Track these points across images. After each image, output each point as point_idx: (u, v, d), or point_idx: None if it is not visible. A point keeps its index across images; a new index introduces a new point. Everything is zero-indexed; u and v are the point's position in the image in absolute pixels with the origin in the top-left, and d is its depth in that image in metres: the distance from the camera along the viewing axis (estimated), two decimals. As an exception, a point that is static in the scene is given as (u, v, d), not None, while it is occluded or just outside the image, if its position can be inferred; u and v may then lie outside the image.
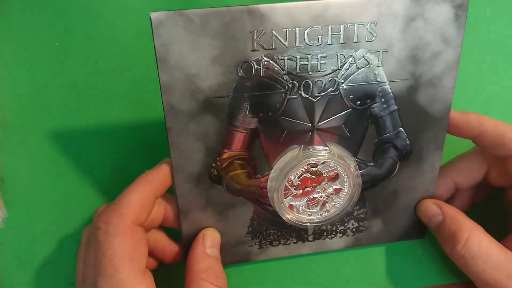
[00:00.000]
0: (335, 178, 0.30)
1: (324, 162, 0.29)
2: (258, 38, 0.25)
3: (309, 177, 0.30)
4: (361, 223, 0.33)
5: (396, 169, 0.31)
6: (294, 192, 0.30)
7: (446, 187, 0.33)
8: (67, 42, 0.33)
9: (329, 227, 0.33)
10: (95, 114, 0.33)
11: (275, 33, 0.25)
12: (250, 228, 0.32)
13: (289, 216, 0.31)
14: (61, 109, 0.33)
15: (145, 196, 0.27)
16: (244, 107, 0.27)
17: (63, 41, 0.33)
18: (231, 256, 0.33)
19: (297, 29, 0.26)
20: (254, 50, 0.26)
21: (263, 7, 0.25)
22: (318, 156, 0.29)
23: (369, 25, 0.26)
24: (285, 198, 0.30)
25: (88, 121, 0.33)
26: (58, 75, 0.33)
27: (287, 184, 0.30)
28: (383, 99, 0.29)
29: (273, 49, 0.26)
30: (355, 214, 0.33)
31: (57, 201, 0.34)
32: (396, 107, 0.29)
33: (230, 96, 0.27)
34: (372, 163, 0.31)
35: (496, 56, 0.37)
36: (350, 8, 0.26)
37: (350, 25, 0.26)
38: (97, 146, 0.34)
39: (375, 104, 0.29)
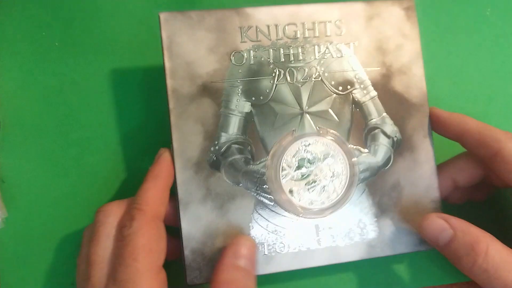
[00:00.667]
0: (330, 157, 0.31)
1: (318, 141, 0.31)
2: (245, 33, 0.31)
3: (305, 157, 0.31)
4: (369, 224, 0.31)
5: (392, 159, 0.32)
6: (292, 173, 0.30)
7: (445, 184, 0.33)
8: (67, 42, 0.34)
9: (336, 226, 0.31)
10: (95, 114, 0.34)
11: (259, 28, 0.31)
12: (252, 227, 0.30)
13: (289, 202, 0.30)
14: (61, 109, 0.34)
15: (159, 190, 0.29)
16: (237, 91, 0.31)
17: (63, 41, 0.34)
18: None
19: (277, 25, 0.31)
20: (243, 42, 0.31)
21: (248, 8, 0.31)
22: (311, 136, 0.31)
23: (336, 22, 0.32)
24: (283, 179, 0.30)
25: (88, 121, 0.34)
26: (58, 75, 0.34)
27: (284, 165, 0.30)
28: (362, 85, 0.32)
29: (259, 41, 0.31)
30: (360, 212, 0.31)
31: (57, 201, 0.33)
32: (375, 92, 0.32)
33: (224, 81, 0.31)
34: (366, 151, 0.32)
35: (497, 55, 0.39)
36: (317, 8, 0.32)
37: (320, 22, 0.32)
38: (97, 146, 0.34)
39: (355, 90, 0.32)
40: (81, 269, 0.28)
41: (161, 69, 0.30)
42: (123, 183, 0.34)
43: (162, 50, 0.30)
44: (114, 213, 0.28)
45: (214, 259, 0.30)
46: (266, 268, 0.30)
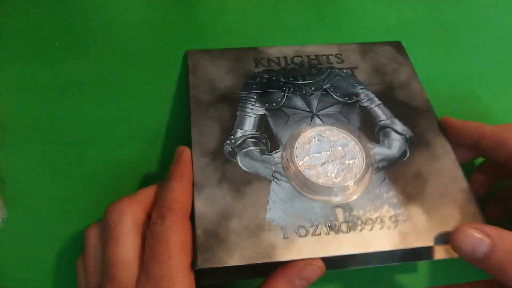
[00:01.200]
0: (343, 142, 0.31)
1: (330, 130, 0.32)
2: (258, 62, 0.37)
3: (319, 142, 0.31)
4: (397, 210, 0.29)
5: (408, 151, 0.32)
6: (306, 156, 0.30)
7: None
8: (67, 42, 0.34)
9: (361, 212, 0.29)
10: (95, 114, 0.34)
11: (270, 59, 0.37)
12: (270, 210, 0.28)
13: (307, 183, 0.29)
14: (61, 109, 0.34)
15: (185, 189, 0.29)
16: (252, 100, 0.34)
17: (63, 41, 0.34)
18: (253, 248, 0.27)
19: (285, 57, 0.37)
20: (256, 67, 0.36)
21: (261, 48, 0.38)
22: (323, 126, 0.32)
23: (336, 55, 0.38)
24: (298, 161, 0.30)
25: (88, 121, 0.34)
26: (58, 75, 0.34)
27: (298, 150, 0.31)
28: (366, 96, 0.35)
29: (270, 67, 0.36)
30: (385, 198, 0.29)
31: (57, 201, 0.32)
32: (380, 101, 0.35)
33: (240, 92, 0.34)
34: (380, 145, 0.32)
35: (499, 56, 0.39)
36: (319, 47, 0.38)
37: (322, 56, 0.38)
38: (97, 146, 0.34)
39: (361, 99, 0.35)
40: (91, 271, 0.27)
41: (161, 70, 0.34)
42: (123, 182, 0.33)
43: (188, 72, 0.35)
44: (129, 211, 0.27)
45: (228, 240, 0.27)
46: (286, 253, 0.27)
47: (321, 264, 0.27)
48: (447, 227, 0.29)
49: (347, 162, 0.31)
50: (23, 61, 0.35)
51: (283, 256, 0.27)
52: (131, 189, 0.33)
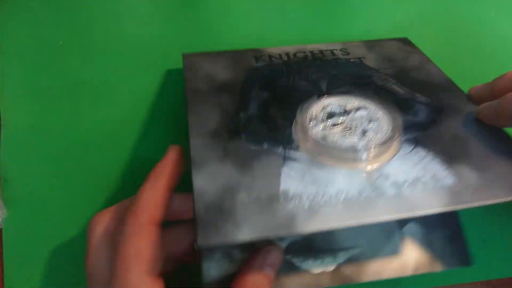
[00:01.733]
0: (363, 109, 0.27)
1: (346, 98, 0.28)
2: (259, 58, 0.34)
3: (334, 111, 0.27)
4: (441, 171, 0.24)
5: (437, 120, 0.27)
6: (322, 123, 0.26)
7: None
8: (71, 41, 0.34)
9: (394, 174, 0.23)
10: (96, 114, 0.33)
11: (272, 56, 0.34)
12: (284, 179, 0.23)
13: (324, 147, 0.24)
14: (65, 108, 0.33)
15: (158, 192, 0.25)
16: (256, 84, 0.31)
17: (67, 40, 0.34)
18: (268, 220, 0.21)
19: (287, 53, 0.35)
20: (257, 63, 0.33)
21: (261, 48, 0.35)
22: (337, 96, 0.28)
23: (340, 49, 0.35)
24: (313, 128, 0.25)
25: (89, 120, 0.33)
26: (61, 74, 0.33)
27: (311, 116, 0.26)
28: (380, 77, 0.31)
29: (272, 62, 0.34)
30: (422, 159, 0.24)
31: (60, 201, 0.31)
32: (395, 81, 0.31)
33: (241, 81, 0.31)
34: (404, 114, 0.28)
35: (500, 55, 0.37)
36: (321, 45, 0.36)
37: (326, 50, 0.35)
38: (99, 146, 0.33)
39: (375, 79, 0.31)
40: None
41: (165, 71, 0.33)
42: (126, 183, 0.31)
43: (184, 70, 0.33)
44: (102, 220, 0.26)
45: (235, 214, 0.22)
46: (310, 224, 0.21)
47: (279, 249, 0.26)
48: (508, 182, 0.23)
49: (370, 125, 0.26)
50: (26, 59, 0.34)
51: (306, 226, 0.21)
52: (132, 190, 0.29)
